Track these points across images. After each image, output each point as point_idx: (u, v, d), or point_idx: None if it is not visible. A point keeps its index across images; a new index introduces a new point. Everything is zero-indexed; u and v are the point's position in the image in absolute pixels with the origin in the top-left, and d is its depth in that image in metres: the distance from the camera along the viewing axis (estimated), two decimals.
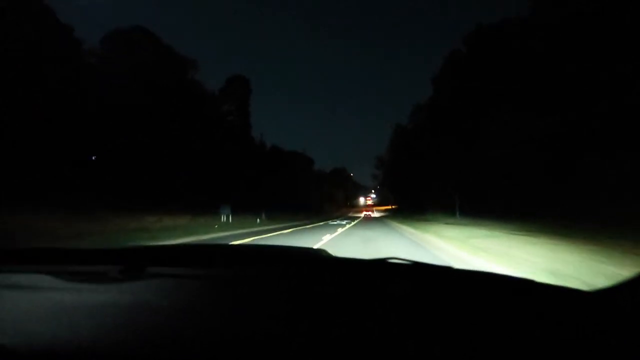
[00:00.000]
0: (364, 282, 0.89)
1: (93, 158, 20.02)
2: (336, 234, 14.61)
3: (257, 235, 14.23)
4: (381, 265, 1.00)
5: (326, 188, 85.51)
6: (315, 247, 3.79)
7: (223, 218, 24.73)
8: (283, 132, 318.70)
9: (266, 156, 42.71)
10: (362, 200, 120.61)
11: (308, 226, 22.29)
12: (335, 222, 27.34)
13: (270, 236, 14.12)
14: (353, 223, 25.43)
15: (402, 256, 1.06)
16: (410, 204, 46.49)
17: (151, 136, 22.96)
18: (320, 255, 1.19)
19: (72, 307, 0.78)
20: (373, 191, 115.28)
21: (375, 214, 59.56)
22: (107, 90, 21.23)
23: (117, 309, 0.76)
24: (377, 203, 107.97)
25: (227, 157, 31.56)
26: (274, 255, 1.26)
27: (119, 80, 21.86)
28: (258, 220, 28.00)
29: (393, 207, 75.24)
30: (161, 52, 24.35)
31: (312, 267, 1.06)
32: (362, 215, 55.36)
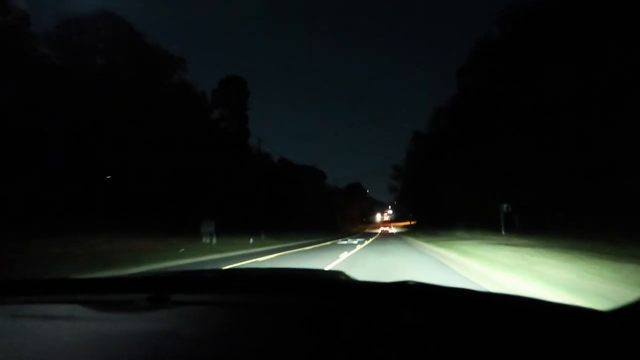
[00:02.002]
0: (385, 313, 0.85)
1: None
2: (337, 261, 9.72)
3: (231, 262, 10.34)
4: (403, 289, 0.94)
5: (340, 204, 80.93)
6: None
7: (206, 238, 20.30)
8: (296, 147, 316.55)
9: (268, 167, 38.34)
10: (378, 216, 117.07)
11: (307, 247, 17.39)
12: (345, 242, 22.12)
13: (246, 264, 10.04)
14: (367, 242, 20.32)
15: None
16: (432, 219, 41.53)
17: (117, 138, 18.85)
18: (341, 281, 1.21)
19: (104, 337, 0.77)
20: (390, 207, 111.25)
21: (393, 230, 55.07)
22: (65, 87, 17.43)
23: (145, 338, 0.75)
24: (395, 219, 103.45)
25: (218, 166, 27.25)
26: (295, 280, 1.26)
27: (80, 75, 18.06)
28: (251, 240, 23.47)
29: (411, 222, 69.91)
30: (130, 40, 20.52)
31: (336, 296, 1.02)
32: (378, 231, 50.96)
